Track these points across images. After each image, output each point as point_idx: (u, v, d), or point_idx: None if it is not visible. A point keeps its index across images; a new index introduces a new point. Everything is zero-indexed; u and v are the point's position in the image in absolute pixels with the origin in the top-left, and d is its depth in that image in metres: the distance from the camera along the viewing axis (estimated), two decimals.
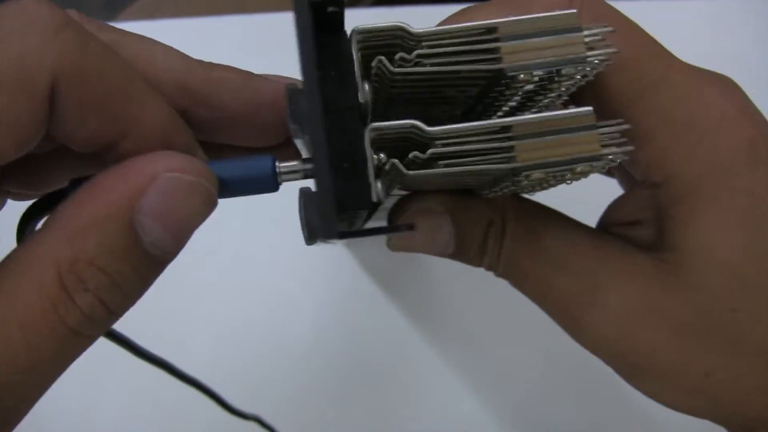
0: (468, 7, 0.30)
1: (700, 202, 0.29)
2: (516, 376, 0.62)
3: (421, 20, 0.28)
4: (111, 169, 0.24)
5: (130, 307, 0.24)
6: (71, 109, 0.23)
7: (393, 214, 0.31)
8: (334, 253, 0.63)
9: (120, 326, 0.26)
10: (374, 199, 0.25)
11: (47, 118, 0.23)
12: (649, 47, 0.29)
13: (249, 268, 0.62)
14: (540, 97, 0.28)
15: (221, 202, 0.25)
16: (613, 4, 0.30)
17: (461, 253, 0.32)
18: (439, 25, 0.29)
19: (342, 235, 0.23)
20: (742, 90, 0.30)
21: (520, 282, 0.32)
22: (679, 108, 0.29)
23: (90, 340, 0.24)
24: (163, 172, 0.23)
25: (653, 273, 0.29)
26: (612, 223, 0.33)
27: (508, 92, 0.27)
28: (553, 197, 0.33)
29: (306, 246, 0.27)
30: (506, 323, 0.54)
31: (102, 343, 0.26)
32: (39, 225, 0.25)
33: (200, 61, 0.27)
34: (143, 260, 0.24)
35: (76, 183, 0.25)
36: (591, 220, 0.33)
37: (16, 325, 0.22)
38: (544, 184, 0.28)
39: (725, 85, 0.30)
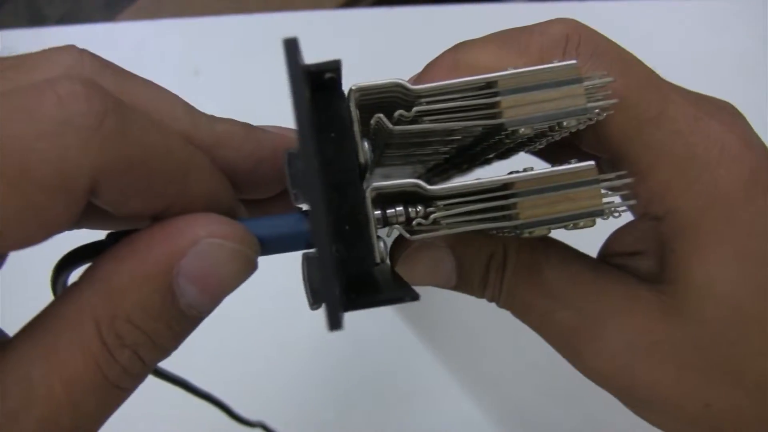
0: (462, 44, 0.28)
1: (700, 236, 0.28)
2: (519, 381, 0.61)
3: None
4: (152, 227, 0.23)
5: (166, 358, 0.24)
6: (112, 197, 0.21)
7: (394, 248, 0.30)
8: None
9: None
10: (377, 260, 0.24)
11: (83, 209, 0.21)
12: (647, 81, 0.28)
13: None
14: (535, 143, 0.28)
15: None
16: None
17: (463, 285, 0.31)
18: (431, 65, 0.28)
19: (346, 306, 0.22)
20: (744, 118, 0.29)
21: (521, 313, 0.31)
22: (679, 142, 0.28)
23: (127, 393, 0.23)
24: (204, 237, 0.22)
25: (654, 305, 0.29)
26: (613, 253, 0.32)
27: (506, 141, 0.26)
28: None
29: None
30: (509, 327, 0.53)
31: None
32: (71, 276, 0.24)
33: (203, 114, 0.25)
34: (179, 319, 0.23)
35: (115, 237, 0.24)
36: (592, 247, 0.32)
37: (59, 381, 0.21)
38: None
39: (726, 114, 0.28)
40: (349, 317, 0.23)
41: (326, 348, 0.62)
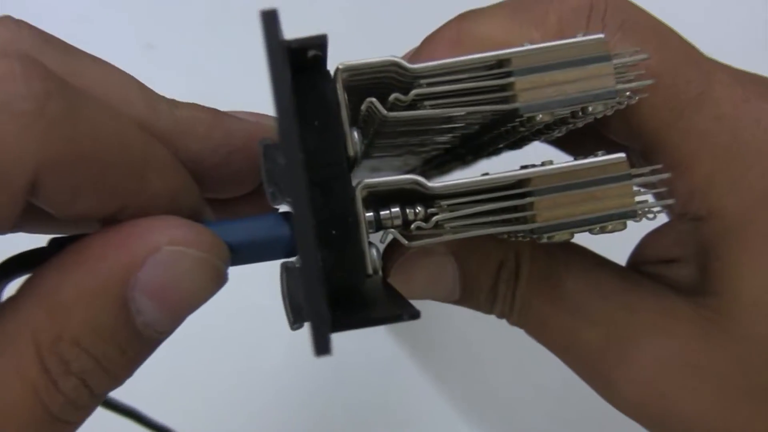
0: (467, 14, 0.28)
1: (750, 240, 0.28)
2: (529, 409, 0.61)
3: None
4: (103, 232, 0.23)
5: (118, 387, 0.24)
6: (56, 196, 0.21)
7: (386, 255, 0.30)
8: None
9: None
10: (369, 271, 0.24)
11: (22, 209, 0.21)
12: (685, 57, 0.28)
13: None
14: (554, 131, 0.28)
15: None
16: None
17: (468, 299, 0.31)
18: (432, 40, 0.28)
19: (334, 326, 0.22)
20: None
21: (537, 332, 0.31)
22: (723, 128, 0.28)
23: (73, 428, 0.23)
24: (164, 244, 0.22)
25: (693, 322, 0.29)
26: (645, 261, 0.32)
27: (521, 129, 0.27)
28: None
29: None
30: (518, 347, 0.53)
31: None
32: (5, 290, 0.24)
33: (163, 98, 0.25)
34: (134, 341, 0.22)
35: (59, 244, 0.24)
36: (620, 254, 0.32)
37: None
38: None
39: None
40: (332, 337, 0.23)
41: (303, 373, 0.61)
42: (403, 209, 0.25)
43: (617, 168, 0.25)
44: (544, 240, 0.25)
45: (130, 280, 0.21)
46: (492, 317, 0.32)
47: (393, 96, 0.24)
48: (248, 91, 0.36)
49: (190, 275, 0.22)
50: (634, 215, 0.25)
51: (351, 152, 0.24)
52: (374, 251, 0.24)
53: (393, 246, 0.30)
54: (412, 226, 0.24)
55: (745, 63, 0.30)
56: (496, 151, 0.33)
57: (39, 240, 0.25)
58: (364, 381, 0.62)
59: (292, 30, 0.23)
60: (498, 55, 0.24)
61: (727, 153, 0.28)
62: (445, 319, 0.61)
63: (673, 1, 0.38)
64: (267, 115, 0.27)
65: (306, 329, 0.21)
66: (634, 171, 0.25)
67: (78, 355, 0.21)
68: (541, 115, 0.24)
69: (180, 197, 0.24)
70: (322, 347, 0.20)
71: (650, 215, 0.25)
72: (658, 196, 0.26)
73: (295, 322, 0.24)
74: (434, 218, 0.24)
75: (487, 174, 0.24)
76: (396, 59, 0.24)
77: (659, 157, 0.28)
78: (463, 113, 0.25)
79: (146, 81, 0.25)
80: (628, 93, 0.25)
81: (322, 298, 0.20)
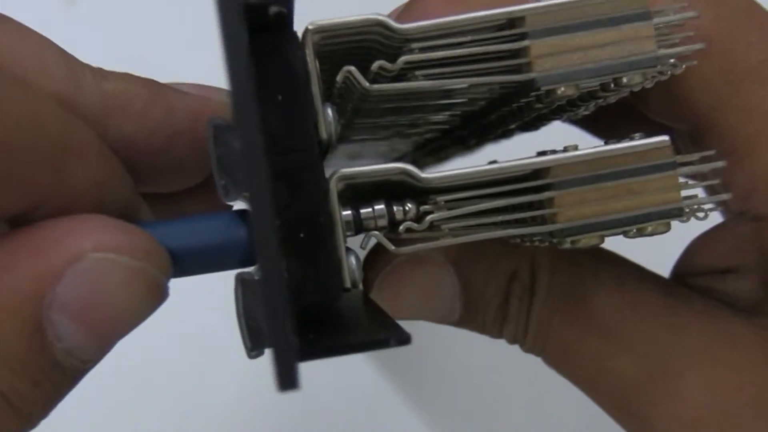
0: None
1: None
2: None
3: None
4: (12, 235, 0.22)
5: (31, 429, 0.23)
6: None
7: (369, 265, 0.31)
8: None
9: None
10: (346, 284, 0.24)
11: None
12: (746, 14, 0.28)
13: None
14: (579, 108, 0.28)
15: None
16: None
17: (472, 319, 0.31)
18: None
19: (303, 354, 0.22)
20: None
21: (558, 361, 0.31)
22: None
23: None
24: (89, 251, 0.21)
25: (755, 349, 0.29)
26: (694, 271, 0.32)
27: (537, 106, 0.26)
28: None
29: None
30: (528, 377, 0.53)
31: None
32: None
33: (87, 67, 0.25)
34: (51, 372, 0.22)
35: None
36: (662, 262, 0.32)
37: None
38: None
39: None
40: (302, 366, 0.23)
41: (262, 411, 0.61)
42: (389, 206, 0.25)
43: (659, 155, 0.24)
44: (567, 245, 0.25)
45: (46, 297, 0.21)
46: (501, 342, 0.32)
47: (377, 64, 0.24)
48: (194, 57, 0.36)
49: (122, 290, 0.22)
50: (679, 214, 0.24)
51: (324, 135, 0.24)
52: (353, 259, 0.24)
53: (377, 253, 0.30)
54: (401, 227, 0.24)
55: None
56: (507, 134, 0.33)
57: None
58: (340, 422, 0.62)
59: None
60: (509, 12, 0.24)
61: None
62: (441, 345, 0.61)
63: None
64: (218, 88, 0.27)
65: (267, 357, 0.20)
66: (680, 158, 0.24)
67: None
68: (563, 88, 0.24)
69: (109, 191, 0.24)
70: (287, 380, 0.19)
71: (700, 214, 0.25)
72: (711, 190, 0.26)
73: (254, 349, 0.24)
74: (428, 218, 0.24)
75: (494, 162, 0.24)
76: (380, 17, 0.24)
77: (712, 141, 0.28)
78: (464, 86, 0.25)
79: (65, 45, 0.25)
80: (672, 60, 0.25)
81: (288, 319, 0.20)
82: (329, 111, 0.24)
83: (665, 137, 0.24)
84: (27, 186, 0.22)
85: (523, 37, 0.24)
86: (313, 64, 0.24)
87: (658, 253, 0.31)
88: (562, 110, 0.28)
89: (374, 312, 0.27)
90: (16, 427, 0.22)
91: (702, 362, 0.29)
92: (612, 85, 0.25)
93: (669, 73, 0.25)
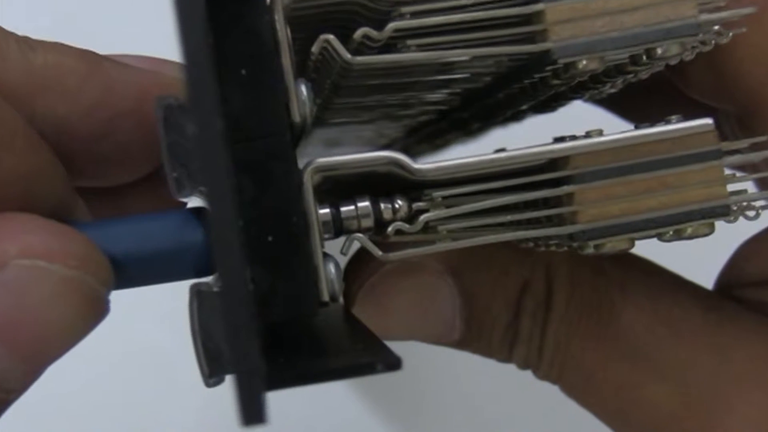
0: None
1: None
2: None
3: None
4: None
5: None
6: None
7: (351, 274, 0.31)
8: None
9: None
10: (324, 297, 0.24)
11: None
12: None
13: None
14: (604, 85, 0.28)
15: None
16: None
17: (475, 339, 0.31)
18: None
19: (272, 382, 0.22)
20: None
21: (579, 389, 0.31)
22: None
23: None
24: (15, 257, 0.21)
25: None
26: (742, 282, 0.32)
27: (554, 82, 0.26)
28: None
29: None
30: (543, 415, 0.53)
31: None
32: None
33: (11, 35, 0.25)
34: None
35: None
36: (702, 271, 0.32)
37: None
38: None
39: None
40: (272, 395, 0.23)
41: None
42: (375, 204, 0.25)
43: (701, 141, 0.24)
44: (590, 250, 0.25)
45: None
46: (510, 367, 0.32)
47: (360, 32, 0.24)
48: (140, 25, 0.35)
49: (53, 304, 0.22)
50: (725, 212, 0.24)
51: (297, 117, 0.24)
52: (332, 267, 0.24)
53: (360, 260, 0.30)
54: (390, 228, 0.24)
55: None
56: (517, 116, 0.33)
57: None
58: None
59: None
60: None
61: None
62: (438, 371, 0.61)
63: None
64: (169, 61, 0.27)
65: (228, 385, 0.20)
66: (726, 146, 0.25)
67: None
68: (585, 61, 0.24)
69: (38, 185, 0.24)
70: (252, 413, 0.19)
71: (750, 213, 0.25)
72: (763, 184, 0.25)
73: (212, 375, 0.24)
74: (422, 217, 0.24)
75: (502, 151, 0.24)
76: None
77: (764, 125, 0.28)
78: (466, 59, 0.25)
79: None
80: (716, 27, 0.25)
81: (253, 339, 0.20)
82: (303, 88, 0.24)
83: (708, 120, 0.24)
84: None
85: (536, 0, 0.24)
86: (283, 32, 0.24)
87: (699, 259, 0.31)
88: (584, 88, 0.28)
89: (357, 331, 0.27)
90: None
91: (752, 391, 0.29)
92: (644, 58, 0.25)
93: (713, 42, 0.25)
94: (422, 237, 0.24)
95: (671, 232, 0.25)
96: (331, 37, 0.24)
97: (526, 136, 0.27)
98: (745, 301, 0.31)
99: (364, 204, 0.25)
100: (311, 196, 0.24)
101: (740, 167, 0.24)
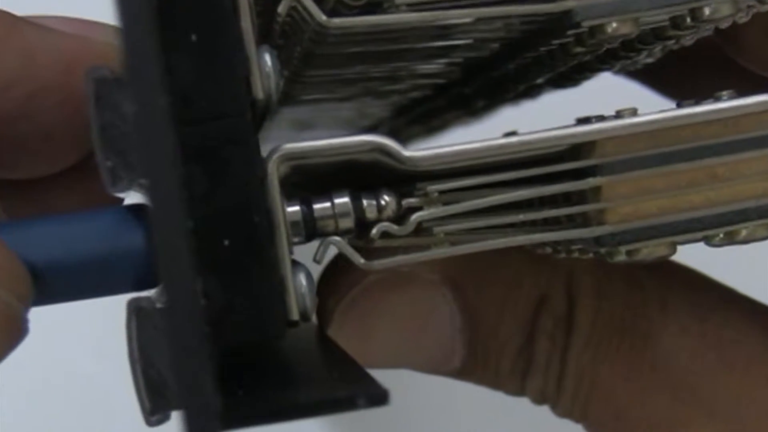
0: None
1: None
2: None
3: None
4: None
5: None
6: None
7: (327, 285, 0.31)
8: None
9: None
10: (293, 316, 0.24)
11: None
12: None
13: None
14: (639, 54, 0.28)
15: None
16: None
17: (479, 368, 0.31)
18: None
19: (228, 420, 0.22)
20: None
21: (608, 427, 0.31)
22: None
23: None
24: None
25: None
26: None
27: (577, 50, 0.26)
28: None
29: None
30: None
31: None
32: None
33: None
34: None
35: None
36: (762, 284, 0.32)
37: None
38: None
39: None
40: None
41: None
42: (356, 200, 0.25)
43: (759, 122, 0.24)
44: (621, 257, 0.25)
45: None
46: (522, 401, 0.32)
47: None
48: None
49: None
50: None
51: (260, 93, 0.24)
52: (302, 278, 0.24)
53: (338, 269, 0.30)
54: (374, 230, 0.24)
55: None
56: (531, 92, 0.33)
57: None
58: None
59: None
60: None
61: None
62: (433, 406, 0.61)
63: None
64: (102, 24, 0.27)
65: (175, 423, 0.20)
66: None
67: None
68: (615, 24, 0.24)
69: None
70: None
71: None
72: None
73: (155, 411, 0.24)
74: (414, 216, 0.24)
75: (513, 134, 0.24)
76: None
77: None
78: (469, 21, 0.25)
79: None
80: None
81: (206, 367, 0.20)
82: (267, 58, 0.24)
83: (766, 97, 0.24)
84: None
85: None
86: None
87: (757, 269, 0.31)
88: (614, 57, 0.28)
89: (334, 356, 0.27)
90: None
91: None
92: (688, 20, 0.25)
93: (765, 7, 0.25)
94: (414, 241, 0.24)
95: (721, 235, 0.25)
96: None
97: (542, 117, 0.27)
98: None
99: (343, 200, 0.24)
100: (277, 190, 0.24)
101: None
